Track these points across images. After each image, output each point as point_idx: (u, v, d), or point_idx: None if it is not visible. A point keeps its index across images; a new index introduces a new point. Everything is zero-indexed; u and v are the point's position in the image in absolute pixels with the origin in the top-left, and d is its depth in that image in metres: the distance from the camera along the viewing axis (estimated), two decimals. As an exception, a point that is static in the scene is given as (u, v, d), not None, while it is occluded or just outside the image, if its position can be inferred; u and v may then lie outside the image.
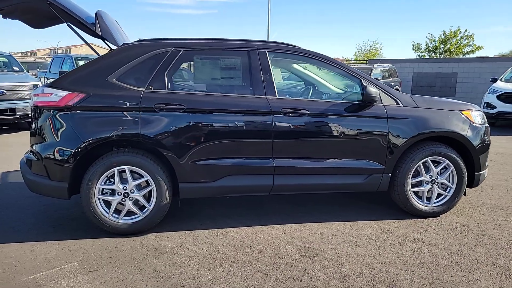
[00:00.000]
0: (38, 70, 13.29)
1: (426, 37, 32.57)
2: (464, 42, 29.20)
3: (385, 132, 3.66)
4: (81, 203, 3.37)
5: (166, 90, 3.42)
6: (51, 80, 12.39)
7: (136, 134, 3.31)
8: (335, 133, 3.61)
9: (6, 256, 3.06)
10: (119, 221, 3.40)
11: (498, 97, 10.00)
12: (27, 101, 9.04)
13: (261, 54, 3.62)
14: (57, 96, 3.29)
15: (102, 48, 4.20)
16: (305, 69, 4.61)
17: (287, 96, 3.78)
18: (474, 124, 3.90)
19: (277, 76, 4.73)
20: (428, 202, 3.89)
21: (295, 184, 3.64)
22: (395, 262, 2.98)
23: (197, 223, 3.71)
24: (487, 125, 4.05)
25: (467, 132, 3.83)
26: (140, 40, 3.67)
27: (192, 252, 3.15)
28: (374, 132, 3.66)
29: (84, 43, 4.04)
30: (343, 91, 4.74)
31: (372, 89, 3.54)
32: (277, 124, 3.50)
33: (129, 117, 3.31)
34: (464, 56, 28.48)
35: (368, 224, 3.72)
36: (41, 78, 12.37)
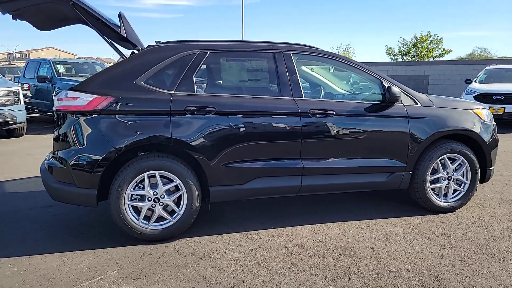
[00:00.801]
0: (14, 76, 12.68)
1: (398, 41, 33.81)
2: (434, 46, 30.59)
3: (406, 131, 3.77)
4: (110, 210, 3.26)
5: (195, 92, 3.38)
6: (26, 86, 11.93)
7: (168, 138, 3.24)
8: (360, 133, 3.68)
9: (37, 269, 2.91)
10: (149, 227, 3.32)
11: (475, 98, 10.46)
12: (7, 107, 8.64)
13: (286, 56, 3.64)
14: (84, 100, 3.18)
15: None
16: (313, 71, 4.67)
17: (312, 97, 3.81)
18: (485, 122, 4.08)
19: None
20: (445, 198, 4.03)
21: (322, 184, 3.67)
22: (432, 257, 3.07)
23: (224, 227, 3.66)
24: (494, 123, 4.25)
25: (480, 130, 4.00)
26: (163, 42, 3.61)
27: (231, 255, 3.11)
28: (396, 131, 3.76)
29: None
30: (349, 92, 4.84)
31: (396, 89, 3.64)
32: (305, 125, 3.52)
33: (160, 121, 3.25)
34: (434, 59, 29.75)
35: (392, 221, 3.81)
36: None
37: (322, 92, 4.53)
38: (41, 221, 3.84)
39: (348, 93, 4.82)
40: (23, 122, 9.10)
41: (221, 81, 3.67)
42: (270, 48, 3.65)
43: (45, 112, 10.97)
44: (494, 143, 4.12)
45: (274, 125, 3.48)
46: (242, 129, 3.41)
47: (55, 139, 3.34)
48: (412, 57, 30.78)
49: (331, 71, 4.87)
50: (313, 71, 4.69)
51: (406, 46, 31.44)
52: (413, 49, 30.97)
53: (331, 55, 3.86)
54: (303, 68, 4.61)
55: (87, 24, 4.15)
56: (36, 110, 11.32)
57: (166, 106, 3.26)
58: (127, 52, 4.51)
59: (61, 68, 11.35)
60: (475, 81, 11.54)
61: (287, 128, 3.50)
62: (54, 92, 10.43)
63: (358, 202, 4.36)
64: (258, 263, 2.98)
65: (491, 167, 4.14)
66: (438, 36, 30.82)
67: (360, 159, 3.73)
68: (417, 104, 3.87)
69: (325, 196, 4.51)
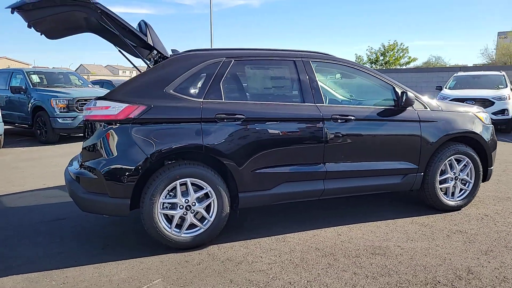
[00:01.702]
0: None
1: (367, 49, 35.15)
2: (401, 54, 31.99)
3: (418, 134, 3.98)
4: (142, 219, 3.23)
5: (223, 100, 3.43)
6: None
7: (199, 146, 3.27)
8: (376, 136, 3.86)
9: (76, 281, 2.84)
10: (181, 235, 3.31)
11: None
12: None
13: (306, 64, 3.77)
14: (115, 108, 3.15)
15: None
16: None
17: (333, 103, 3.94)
18: (485, 124, 4.38)
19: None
20: (452, 197, 4.27)
21: (343, 187, 3.80)
22: (457, 252, 3.26)
23: (249, 232, 3.70)
24: (492, 125, 4.56)
25: (482, 132, 4.28)
26: (188, 50, 3.63)
27: (267, 259, 3.16)
28: (409, 135, 3.96)
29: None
30: (348, 99, 5.02)
31: (411, 94, 3.85)
32: (328, 130, 3.65)
33: (192, 129, 3.27)
34: (401, 67, 31.06)
35: (407, 221, 3.99)
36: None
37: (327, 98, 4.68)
38: (58, 235, 3.72)
39: (348, 99, 5.00)
40: (1, 134, 8.72)
41: (246, 89, 3.73)
42: (291, 56, 3.77)
43: (19, 124, 10.55)
44: (494, 144, 4.42)
45: (299, 130, 3.58)
46: (270, 135, 3.49)
47: (86, 149, 3.27)
48: (381, 65, 32.00)
49: (338, 78, 5.04)
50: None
51: (374, 54, 32.72)
52: (381, 58, 32.28)
53: (347, 62, 4.02)
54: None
55: (99, 33, 4.13)
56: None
57: (197, 114, 3.29)
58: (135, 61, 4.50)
59: (35, 78, 10.95)
60: (445, 88, 12.19)
61: (311, 133, 3.61)
62: (30, 104, 10.07)
63: (368, 204, 4.52)
64: (297, 265, 3.05)
65: (491, 166, 4.43)
66: (404, 45, 32.37)
67: (377, 162, 3.90)
68: (427, 108, 4.10)
69: (338, 199, 4.64)
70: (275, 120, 3.51)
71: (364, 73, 4.07)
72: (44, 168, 6.73)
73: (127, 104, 3.16)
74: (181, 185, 3.29)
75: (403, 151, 3.97)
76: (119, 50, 4.45)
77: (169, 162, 3.35)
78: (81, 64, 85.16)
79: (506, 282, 2.77)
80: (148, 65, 3.52)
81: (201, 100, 3.35)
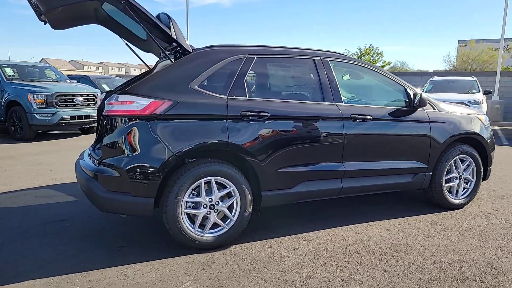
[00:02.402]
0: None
1: (343, 52, 35.88)
2: (376, 58, 32.96)
3: (429, 135, 4.08)
4: (165, 219, 3.12)
5: (247, 97, 3.37)
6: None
7: (225, 143, 3.20)
8: (391, 136, 3.93)
9: (102, 284, 2.71)
10: (204, 235, 3.23)
11: None
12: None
13: (325, 63, 3.77)
14: (140, 104, 3.02)
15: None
16: None
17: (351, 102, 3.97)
18: (485, 126, 4.55)
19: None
20: (456, 195, 4.41)
21: (360, 186, 3.84)
22: (474, 248, 3.36)
23: (268, 232, 3.66)
24: (490, 126, 4.75)
25: (483, 133, 4.45)
26: (210, 46, 3.55)
27: (295, 258, 3.14)
28: (420, 135, 4.06)
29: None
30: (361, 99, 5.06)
31: (425, 96, 3.94)
32: (347, 129, 3.67)
33: (217, 126, 3.19)
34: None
35: (417, 219, 4.08)
36: None
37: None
38: (67, 236, 3.54)
39: (362, 99, 5.02)
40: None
41: (268, 86, 3.69)
42: (310, 54, 3.76)
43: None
44: (493, 144, 4.61)
45: (321, 129, 3.58)
46: (293, 133, 3.47)
47: (106, 146, 3.12)
48: (357, 69, 32.93)
49: (346, 78, 5.07)
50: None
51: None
52: (358, 61, 33.28)
53: (360, 62, 4.07)
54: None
55: (106, 25, 3.97)
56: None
57: (222, 110, 3.22)
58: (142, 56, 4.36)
59: (9, 71, 10.38)
60: (423, 91, 12.58)
61: (332, 132, 3.62)
62: (4, 98, 9.53)
63: (375, 203, 4.59)
64: (326, 264, 3.05)
65: (490, 166, 4.62)
66: (379, 49, 33.47)
67: (390, 161, 3.97)
68: (435, 109, 4.21)
69: (346, 198, 4.68)
70: (298, 118, 3.49)
71: (377, 74, 4.12)
72: (27, 166, 6.39)
73: (152, 99, 3.04)
74: (205, 183, 3.21)
75: (414, 150, 4.06)
76: (126, 44, 4.30)
77: (189, 160, 3.25)
78: (42, 58, 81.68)
79: (528, 276, 2.89)
80: (169, 58, 3.37)
81: (226, 97, 3.28)
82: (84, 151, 4.18)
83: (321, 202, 4.52)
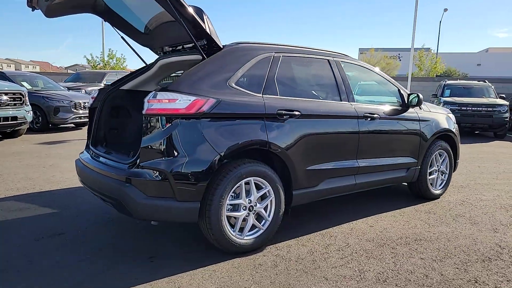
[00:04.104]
0: None
1: None
2: None
3: (419, 132, 4.46)
4: (207, 224, 2.95)
5: (278, 96, 3.34)
6: None
7: (265, 142, 3.13)
8: (393, 134, 4.21)
9: (164, 299, 2.47)
10: (244, 238, 3.13)
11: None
12: None
13: (338, 63, 3.91)
14: (183, 102, 2.81)
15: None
16: None
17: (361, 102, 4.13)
18: (454, 124, 5.11)
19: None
20: (435, 187, 4.88)
21: (368, 181, 4.04)
22: (475, 232, 3.76)
23: (287, 231, 3.64)
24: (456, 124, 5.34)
25: (454, 130, 5.00)
26: (238, 42, 3.42)
27: (335, 254, 3.20)
28: (413, 132, 4.42)
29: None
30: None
31: (421, 96, 4.29)
32: (361, 127, 3.85)
33: (257, 125, 3.12)
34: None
35: (411, 210, 4.43)
36: None
37: None
38: (81, 251, 3.14)
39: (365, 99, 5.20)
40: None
41: (294, 85, 3.66)
42: (326, 55, 3.86)
43: None
44: (459, 140, 5.19)
45: (342, 128, 3.70)
46: (320, 132, 3.53)
47: (146, 147, 2.83)
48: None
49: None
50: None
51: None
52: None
53: (365, 65, 4.29)
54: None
55: (103, 16, 3.70)
56: None
57: (261, 109, 3.15)
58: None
59: None
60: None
61: (350, 130, 3.76)
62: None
63: (366, 199, 4.85)
64: (369, 257, 3.16)
65: (458, 159, 5.19)
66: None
67: (392, 157, 4.25)
68: (421, 109, 4.61)
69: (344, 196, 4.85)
70: (324, 117, 3.57)
71: (377, 76, 4.38)
72: (-34, 176, 5.47)
73: (196, 97, 2.86)
74: (245, 184, 3.11)
75: (409, 147, 4.40)
76: (122, 37, 3.96)
77: (225, 161, 3.11)
78: None
79: (532, 252, 3.35)
80: (202, 53, 3.16)
81: (261, 95, 3.22)
82: (81, 152, 3.77)
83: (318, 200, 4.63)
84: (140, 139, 2.86)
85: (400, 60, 44.81)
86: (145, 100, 2.82)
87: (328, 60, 3.85)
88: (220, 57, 3.17)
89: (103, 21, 4.01)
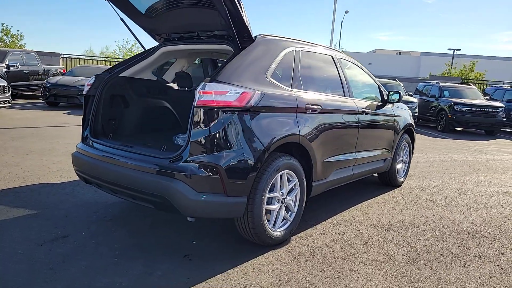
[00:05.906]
0: None
1: None
2: None
3: (394, 126, 4.91)
4: (249, 218, 2.91)
5: (303, 90, 3.41)
6: None
7: (297, 136, 3.18)
8: (379, 127, 4.57)
9: (235, 297, 2.40)
10: (277, 231, 3.16)
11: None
12: None
13: (339, 60, 4.10)
14: (233, 94, 2.72)
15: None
16: None
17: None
18: (412, 118, 5.71)
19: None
20: (400, 175, 5.42)
21: (359, 172, 4.33)
22: (451, 215, 4.30)
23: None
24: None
25: (413, 123, 5.59)
26: (264, 34, 3.36)
27: (357, 240, 3.40)
28: (391, 126, 4.84)
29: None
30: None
31: (401, 93, 4.70)
32: (360, 122, 4.11)
33: (291, 118, 3.15)
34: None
35: (387, 197, 4.87)
36: None
37: None
38: (104, 254, 2.85)
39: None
40: None
41: (310, 80, 3.70)
42: (330, 50, 4.02)
43: None
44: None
45: (349, 122, 3.91)
46: (334, 126, 3.68)
47: (197, 141, 2.65)
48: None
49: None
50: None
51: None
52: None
53: (356, 62, 4.54)
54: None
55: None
56: None
57: (294, 103, 3.19)
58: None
59: None
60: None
61: (354, 124, 4.00)
62: None
63: (345, 190, 5.16)
64: (386, 241, 3.43)
65: (413, 149, 5.82)
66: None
67: (377, 149, 4.61)
68: (394, 105, 5.06)
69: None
70: (337, 112, 3.73)
71: (364, 72, 4.68)
72: None
73: (243, 90, 2.78)
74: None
75: (387, 139, 4.82)
76: (121, 19, 3.64)
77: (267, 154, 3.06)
78: None
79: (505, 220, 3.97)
80: (239, 44, 3.03)
81: (291, 89, 3.25)
82: (82, 145, 3.39)
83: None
84: (187, 132, 2.72)
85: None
86: (196, 91, 2.66)
87: (332, 56, 4.02)
88: (256, 49, 3.11)
89: None
